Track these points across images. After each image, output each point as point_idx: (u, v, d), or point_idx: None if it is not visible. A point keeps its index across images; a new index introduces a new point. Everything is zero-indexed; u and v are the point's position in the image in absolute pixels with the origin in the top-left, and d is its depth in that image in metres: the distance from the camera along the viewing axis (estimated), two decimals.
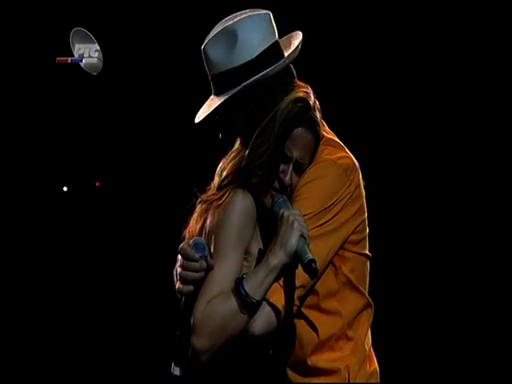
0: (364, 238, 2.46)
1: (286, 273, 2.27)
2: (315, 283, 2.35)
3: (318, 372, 2.39)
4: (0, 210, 5.45)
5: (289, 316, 2.32)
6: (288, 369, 2.43)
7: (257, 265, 2.29)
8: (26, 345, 5.41)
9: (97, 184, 5.59)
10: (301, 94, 2.36)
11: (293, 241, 2.21)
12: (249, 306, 2.23)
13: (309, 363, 2.38)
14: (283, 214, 2.25)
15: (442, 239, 5.20)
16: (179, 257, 2.38)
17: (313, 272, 2.19)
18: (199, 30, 2.62)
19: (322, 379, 2.39)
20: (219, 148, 2.52)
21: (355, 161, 2.45)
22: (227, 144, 2.50)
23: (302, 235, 2.22)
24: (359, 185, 2.43)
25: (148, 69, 5.33)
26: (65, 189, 5.58)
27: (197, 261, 2.31)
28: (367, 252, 2.49)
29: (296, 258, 2.23)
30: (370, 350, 2.48)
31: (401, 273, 5.16)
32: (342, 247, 2.39)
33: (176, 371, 2.41)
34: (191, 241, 2.35)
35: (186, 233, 2.46)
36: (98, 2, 5.21)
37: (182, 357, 2.36)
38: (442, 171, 5.18)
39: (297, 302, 2.32)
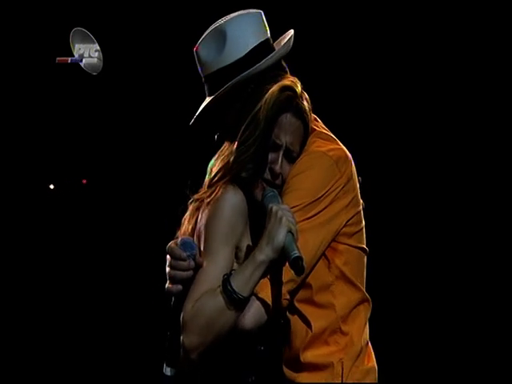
0: (359, 231, 2.43)
1: (274, 267, 2.26)
2: (308, 276, 2.33)
3: (312, 366, 2.37)
4: None
5: (280, 310, 2.31)
6: (283, 364, 2.41)
7: (245, 260, 2.27)
8: (14, 344, 5.41)
9: (83, 181, 5.58)
10: (287, 83, 2.35)
11: (280, 236, 2.19)
12: (236, 303, 2.22)
13: (302, 358, 2.36)
14: (271, 208, 2.23)
15: (442, 236, 5.20)
16: (168, 256, 2.37)
17: (299, 269, 2.17)
18: (199, 30, 2.61)
19: (315, 374, 2.37)
20: (215, 147, 2.51)
21: (348, 153, 2.42)
22: (222, 143, 2.49)
23: (289, 231, 2.20)
24: (352, 177, 2.40)
25: (148, 69, 5.32)
26: (51, 186, 5.57)
27: (184, 260, 2.29)
28: (363, 245, 2.45)
29: (283, 253, 2.21)
30: (367, 345, 2.46)
31: (403, 269, 5.17)
32: (334, 240, 2.37)
33: (168, 371, 2.40)
34: (179, 240, 2.34)
35: (179, 233, 2.44)
36: (97, 2, 5.21)
37: (173, 357, 2.35)
38: (442, 168, 5.18)
39: (287, 296, 2.30)
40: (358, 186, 2.44)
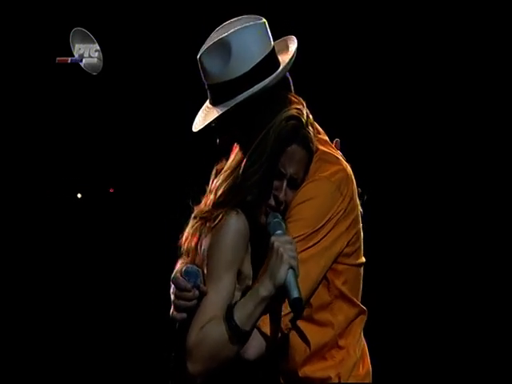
0: (358, 249, 2.46)
1: (277, 299, 2.30)
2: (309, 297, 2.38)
3: (309, 381, 2.42)
4: (14, 217, 5.46)
5: (281, 335, 2.35)
6: (281, 379, 2.46)
7: (248, 286, 2.33)
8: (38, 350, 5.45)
9: (111, 190, 5.59)
10: (293, 112, 2.37)
11: (281, 274, 2.23)
12: (239, 336, 2.26)
13: (300, 373, 2.41)
14: (273, 244, 2.26)
15: (440, 240, 5.21)
16: (173, 285, 2.40)
17: (298, 311, 2.24)
18: (199, 30, 2.61)
19: None
20: (216, 152, 2.54)
21: (349, 171, 2.46)
22: (223, 149, 2.52)
23: (291, 267, 2.24)
24: (353, 196, 2.43)
25: (148, 68, 5.32)
26: (79, 195, 5.59)
27: (189, 290, 2.32)
28: (361, 260, 2.49)
29: (284, 289, 2.25)
30: (362, 351, 2.50)
31: (401, 275, 5.18)
32: (335, 261, 2.41)
33: None
34: (183, 268, 2.36)
35: (183, 247, 2.47)
36: (97, 2, 5.21)
37: (177, 377, 2.38)
38: (440, 172, 5.18)
39: (288, 326, 2.34)
40: (357, 200, 2.47)
